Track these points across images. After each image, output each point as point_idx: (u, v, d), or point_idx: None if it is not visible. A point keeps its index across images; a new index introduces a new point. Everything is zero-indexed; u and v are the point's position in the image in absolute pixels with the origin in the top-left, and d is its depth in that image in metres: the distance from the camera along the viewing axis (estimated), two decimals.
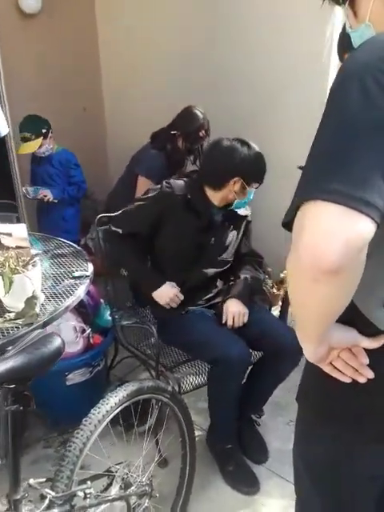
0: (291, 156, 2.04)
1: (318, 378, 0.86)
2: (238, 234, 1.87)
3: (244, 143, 1.66)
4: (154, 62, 3.09)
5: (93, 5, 3.27)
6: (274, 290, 2.71)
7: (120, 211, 1.81)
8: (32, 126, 2.54)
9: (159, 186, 1.75)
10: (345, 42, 1.64)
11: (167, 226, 1.72)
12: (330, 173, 0.59)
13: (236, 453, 1.77)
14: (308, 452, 0.96)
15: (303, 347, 0.78)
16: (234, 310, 1.71)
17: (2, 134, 1.53)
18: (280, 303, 2.43)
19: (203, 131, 2.41)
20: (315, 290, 0.63)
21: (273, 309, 2.36)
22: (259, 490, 1.69)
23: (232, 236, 1.83)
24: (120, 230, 1.77)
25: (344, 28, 1.66)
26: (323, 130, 0.64)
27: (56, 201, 2.65)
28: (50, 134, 2.59)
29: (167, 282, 1.74)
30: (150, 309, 1.88)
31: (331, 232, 0.57)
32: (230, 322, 1.70)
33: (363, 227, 0.57)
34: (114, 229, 1.78)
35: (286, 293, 2.39)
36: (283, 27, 2.45)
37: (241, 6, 2.60)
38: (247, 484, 1.70)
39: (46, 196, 2.62)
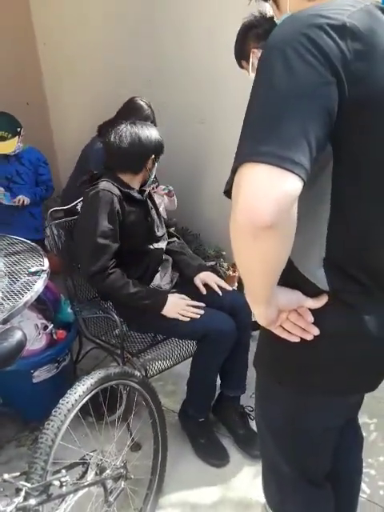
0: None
1: (269, 343, 0.93)
2: (155, 208, 1.96)
3: (141, 125, 1.78)
4: (90, 52, 3.07)
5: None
6: (230, 272, 2.79)
7: (86, 248, 1.68)
8: (8, 124, 2.50)
9: (93, 196, 1.68)
10: (244, 48, 1.80)
11: (122, 225, 1.73)
12: (260, 137, 0.65)
13: (208, 426, 1.84)
14: (267, 413, 1.03)
15: (254, 311, 0.83)
16: (215, 279, 1.86)
17: None
18: (236, 284, 2.51)
19: (149, 122, 2.40)
20: (255, 247, 0.68)
21: None
22: (229, 463, 1.76)
23: (154, 211, 1.93)
24: (101, 263, 1.64)
25: (248, 25, 1.80)
26: (253, 100, 0.70)
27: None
28: (21, 133, 2.56)
29: (171, 295, 1.72)
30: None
31: (262, 191, 0.63)
32: (218, 290, 1.82)
33: (291, 184, 0.63)
34: (93, 268, 1.64)
35: None
36: (222, 12, 2.50)
37: None
38: (218, 457, 1.77)
39: (21, 200, 2.58)
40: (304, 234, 0.72)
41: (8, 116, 2.55)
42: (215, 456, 1.77)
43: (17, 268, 1.68)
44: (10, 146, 2.52)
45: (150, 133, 1.76)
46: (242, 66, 1.85)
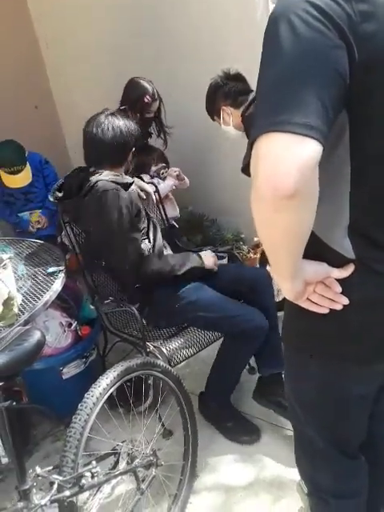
0: None
1: (296, 317, 0.92)
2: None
3: (120, 114, 1.75)
4: (94, 51, 3.06)
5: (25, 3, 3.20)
6: (251, 255, 2.77)
7: (121, 246, 1.70)
8: (18, 155, 2.48)
9: (111, 196, 1.66)
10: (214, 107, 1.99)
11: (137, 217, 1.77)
12: (274, 107, 0.65)
13: (232, 408, 1.86)
14: (299, 386, 1.02)
15: (281, 286, 0.83)
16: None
17: None
18: (257, 266, 2.49)
19: (147, 97, 2.31)
20: (278, 219, 0.68)
21: None
22: (260, 437, 1.78)
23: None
24: (140, 253, 1.72)
25: (215, 85, 1.95)
26: (263, 71, 0.69)
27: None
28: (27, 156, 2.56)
29: (202, 252, 1.90)
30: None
31: (283, 159, 0.63)
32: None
33: (311, 149, 0.63)
34: (137, 261, 1.70)
35: (262, 254, 2.45)
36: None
37: None
38: (249, 433, 1.79)
39: (43, 223, 2.64)
40: (326, 205, 0.71)
41: (14, 145, 2.49)
42: (245, 433, 1.79)
43: (36, 269, 1.72)
44: (26, 178, 2.53)
45: (129, 124, 1.73)
46: (213, 120, 2.08)
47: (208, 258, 1.87)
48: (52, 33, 3.25)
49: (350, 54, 0.66)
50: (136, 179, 2.06)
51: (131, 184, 1.80)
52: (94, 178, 1.69)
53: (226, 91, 1.94)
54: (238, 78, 1.96)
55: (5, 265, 1.39)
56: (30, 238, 2.17)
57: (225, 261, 2.97)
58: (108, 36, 2.96)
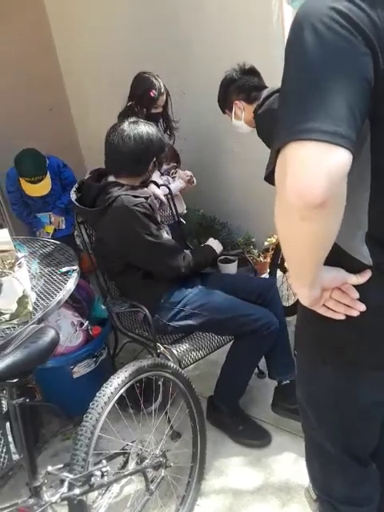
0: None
1: (311, 322, 0.92)
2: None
3: (143, 123, 1.72)
4: (110, 54, 3.09)
5: (42, 3, 3.24)
6: (261, 259, 2.77)
7: (160, 255, 1.75)
8: (38, 165, 2.51)
9: (125, 212, 1.66)
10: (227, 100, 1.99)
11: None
12: (301, 115, 0.64)
13: (242, 412, 1.85)
14: (312, 392, 1.02)
15: (298, 293, 0.83)
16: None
17: None
18: (268, 270, 2.49)
19: (153, 91, 2.31)
20: (305, 229, 0.67)
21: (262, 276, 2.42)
22: (271, 441, 1.77)
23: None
24: (181, 256, 1.77)
25: (230, 79, 1.95)
26: (288, 78, 0.69)
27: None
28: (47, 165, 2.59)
29: (208, 242, 1.98)
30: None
31: (312, 167, 0.62)
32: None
33: (341, 157, 0.62)
34: (182, 266, 1.76)
35: (272, 259, 2.45)
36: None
37: None
38: (259, 438, 1.78)
39: (57, 223, 2.70)
40: (346, 211, 0.71)
41: (35, 155, 2.51)
42: (255, 437, 1.79)
43: (49, 269, 1.73)
44: (45, 187, 2.55)
45: (152, 132, 1.70)
46: (224, 113, 2.07)
47: (216, 245, 1.97)
48: (68, 36, 3.29)
49: (375, 61, 0.65)
50: (150, 185, 2.06)
51: (149, 197, 1.79)
52: (114, 193, 1.68)
53: (239, 85, 1.93)
54: (253, 72, 1.95)
55: (20, 263, 1.41)
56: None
57: (235, 265, 2.98)
58: (122, 38, 3.00)
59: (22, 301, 1.36)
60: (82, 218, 1.90)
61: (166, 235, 1.81)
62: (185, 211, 2.64)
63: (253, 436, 1.79)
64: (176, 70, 2.80)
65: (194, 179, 2.53)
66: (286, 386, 1.85)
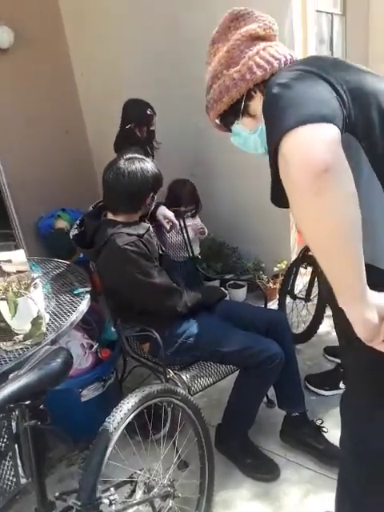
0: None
1: (369, 361, 0.85)
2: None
3: (138, 159, 1.72)
4: (126, 80, 3.19)
5: (63, 31, 3.37)
6: (270, 285, 2.76)
7: (156, 295, 1.75)
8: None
9: (121, 254, 1.66)
10: None
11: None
12: (288, 117, 0.74)
13: (251, 444, 1.81)
14: (363, 436, 0.98)
15: (354, 320, 0.77)
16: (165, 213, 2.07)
17: None
18: (277, 296, 2.49)
19: (148, 109, 2.61)
20: (320, 204, 0.69)
21: (270, 304, 2.42)
22: (280, 475, 1.73)
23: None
24: (178, 296, 1.77)
25: None
26: (274, 106, 0.80)
27: None
28: None
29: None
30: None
31: (308, 141, 0.70)
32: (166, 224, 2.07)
33: (329, 128, 0.72)
34: (178, 306, 1.76)
35: (282, 285, 2.45)
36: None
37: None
38: (268, 471, 1.74)
39: None
40: (374, 235, 0.73)
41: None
42: (265, 471, 1.74)
43: (63, 290, 1.74)
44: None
45: (147, 169, 1.70)
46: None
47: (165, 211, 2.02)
48: (86, 62, 3.40)
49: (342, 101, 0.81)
50: (160, 207, 2.08)
51: (146, 232, 1.79)
52: (109, 231, 1.69)
53: None
54: None
55: (35, 284, 1.42)
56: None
57: (244, 290, 2.97)
58: (139, 67, 3.10)
59: (36, 321, 1.36)
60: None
61: (161, 274, 1.77)
62: (198, 256, 2.68)
63: (262, 470, 1.75)
64: (192, 96, 2.88)
65: (206, 230, 2.65)
66: (295, 417, 1.82)
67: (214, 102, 1.06)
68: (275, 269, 2.77)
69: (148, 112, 2.60)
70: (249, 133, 1.08)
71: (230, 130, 1.14)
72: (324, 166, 0.67)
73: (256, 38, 1.00)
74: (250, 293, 2.98)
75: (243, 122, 1.07)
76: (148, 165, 1.73)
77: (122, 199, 1.72)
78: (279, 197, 0.79)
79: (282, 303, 2.39)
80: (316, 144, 0.68)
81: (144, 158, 1.77)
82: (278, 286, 2.70)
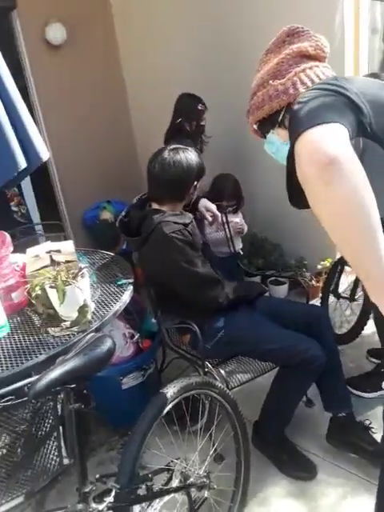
0: None
1: None
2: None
3: (182, 149, 1.76)
4: (173, 74, 3.21)
5: (112, 28, 3.44)
6: (313, 283, 2.71)
7: (201, 286, 1.77)
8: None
9: (169, 242, 1.70)
10: None
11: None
12: (308, 120, 0.82)
13: (287, 441, 1.80)
14: None
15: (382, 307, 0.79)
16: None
17: (44, 159, 1.65)
18: (320, 295, 2.44)
19: (200, 104, 2.63)
20: (332, 193, 0.75)
21: (312, 302, 2.38)
22: (317, 474, 1.71)
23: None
24: (219, 288, 1.78)
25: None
26: (293, 125, 0.89)
27: None
28: None
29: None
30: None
31: (316, 139, 0.78)
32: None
33: (337, 127, 0.80)
34: (219, 298, 1.77)
35: (325, 283, 2.40)
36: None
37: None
38: (305, 470, 1.72)
39: None
40: None
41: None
42: (301, 469, 1.73)
43: (107, 280, 1.80)
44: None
45: (191, 158, 1.75)
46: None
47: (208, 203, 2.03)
48: (134, 59, 3.46)
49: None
50: (203, 200, 2.10)
51: (190, 223, 1.81)
52: (156, 219, 1.72)
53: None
54: None
55: (82, 273, 1.47)
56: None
57: (285, 287, 2.94)
58: (184, 63, 3.12)
59: (82, 309, 1.41)
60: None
61: (204, 264, 1.79)
62: (241, 251, 2.70)
63: (298, 468, 1.73)
64: (238, 92, 2.86)
65: (245, 228, 2.66)
66: (342, 418, 1.77)
67: (256, 108, 1.13)
68: (319, 266, 2.72)
69: (199, 107, 2.63)
70: (281, 143, 1.14)
71: (264, 137, 1.20)
72: (328, 158, 0.73)
73: (305, 56, 1.06)
74: (291, 290, 2.94)
75: (278, 133, 1.14)
76: (191, 154, 1.76)
77: (168, 188, 1.76)
78: (298, 199, 0.87)
79: (324, 302, 2.34)
80: (322, 140, 0.76)
81: (187, 147, 1.80)
82: (320, 284, 2.65)
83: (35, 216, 3.20)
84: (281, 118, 1.09)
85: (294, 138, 0.82)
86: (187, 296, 1.79)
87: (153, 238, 1.72)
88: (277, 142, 1.17)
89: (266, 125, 1.15)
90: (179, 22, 3.08)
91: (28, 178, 3.09)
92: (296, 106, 0.91)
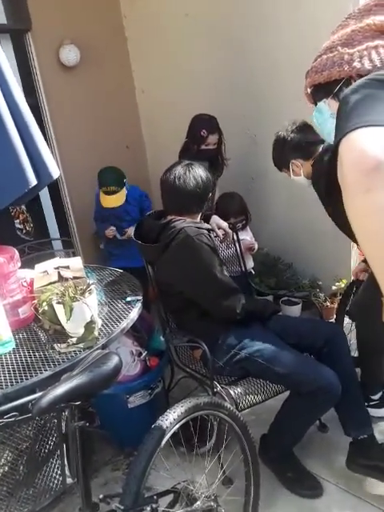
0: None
1: None
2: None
3: (194, 164, 1.83)
4: (183, 97, 3.27)
5: (126, 50, 3.53)
6: (328, 304, 2.67)
7: (217, 294, 1.77)
8: (116, 179, 2.74)
9: (199, 240, 1.72)
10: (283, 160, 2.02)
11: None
12: (351, 121, 0.75)
13: (292, 458, 1.76)
14: None
15: None
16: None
17: (55, 177, 1.67)
18: (334, 316, 2.39)
19: (203, 131, 2.62)
20: (372, 202, 0.69)
21: None
22: (322, 493, 1.67)
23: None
24: (237, 297, 1.78)
25: (283, 139, 1.98)
26: (340, 117, 0.81)
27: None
28: (126, 183, 2.80)
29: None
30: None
31: (362, 142, 0.71)
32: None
33: None
34: (237, 308, 1.76)
35: (340, 304, 2.35)
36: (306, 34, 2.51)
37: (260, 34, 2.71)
38: (309, 487, 1.68)
39: (127, 233, 2.84)
40: None
41: (115, 170, 2.76)
42: (306, 486, 1.69)
43: (116, 297, 1.79)
44: (119, 199, 2.75)
45: (205, 174, 1.82)
46: (281, 171, 2.09)
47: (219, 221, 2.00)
48: (147, 80, 3.53)
49: None
50: (214, 217, 2.11)
51: (211, 230, 1.87)
52: (178, 226, 1.74)
53: (294, 144, 1.93)
54: (305, 128, 1.93)
55: (90, 290, 1.47)
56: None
57: (298, 307, 2.89)
58: (197, 84, 3.17)
59: (89, 326, 1.40)
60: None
61: (223, 272, 1.80)
62: (252, 271, 2.69)
63: (303, 485, 1.69)
64: (248, 114, 2.90)
65: (256, 246, 2.64)
66: (362, 440, 1.71)
67: (315, 71, 1.06)
68: (333, 287, 2.68)
69: (201, 133, 2.64)
70: (330, 115, 1.07)
71: (315, 104, 1.13)
72: (374, 162, 0.67)
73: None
74: (304, 311, 2.89)
75: (330, 103, 1.07)
76: (201, 169, 1.83)
77: (190, 201, 1.80)
78: (335, 209, 0.78)
79: (339, 323, 2.29)
80: (368, 144, 0.70)
81: (194, 162, 1.86)
82: (335, 305, 2.60)
83: (54, 230, 3.25)
84: (338, 89, 1.01)
85: (338, 137, 0.76)
86: (205, 305, 1.78)
87: (176, 242, 1.72)
88: (326, 112, 1.10)
89: (320, 91, 1.08)
90: (192, 46, 3.14)
91: (47, 195, 3.15)
92: (345, 93, 0.84)
